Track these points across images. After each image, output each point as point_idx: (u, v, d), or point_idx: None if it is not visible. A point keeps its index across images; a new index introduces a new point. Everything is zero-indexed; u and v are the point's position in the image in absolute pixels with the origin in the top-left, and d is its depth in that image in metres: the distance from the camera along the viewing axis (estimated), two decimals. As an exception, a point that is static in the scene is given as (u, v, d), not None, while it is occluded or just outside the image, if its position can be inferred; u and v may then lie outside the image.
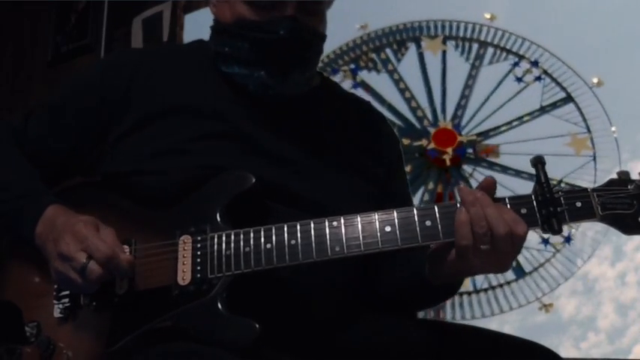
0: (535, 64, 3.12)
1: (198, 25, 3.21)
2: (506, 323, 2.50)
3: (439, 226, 1.24)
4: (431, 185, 3.35)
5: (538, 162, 1.22)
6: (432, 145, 3.25)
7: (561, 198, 1.21)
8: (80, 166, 1.50)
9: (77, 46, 3.71)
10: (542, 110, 3.18)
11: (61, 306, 1.36)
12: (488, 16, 3.00)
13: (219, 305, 1.25)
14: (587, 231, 2.75)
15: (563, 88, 3.10)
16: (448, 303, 3.17)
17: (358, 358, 1.36)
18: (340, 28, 2.98)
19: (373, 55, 3.47)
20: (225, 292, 1.26)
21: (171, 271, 1.30)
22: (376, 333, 1.39)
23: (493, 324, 2.61)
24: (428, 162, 3.33)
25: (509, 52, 3.19)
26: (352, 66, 3.48)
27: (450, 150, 3.22)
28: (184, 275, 1.29)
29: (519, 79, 3.09)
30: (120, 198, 1.41)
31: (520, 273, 3.05)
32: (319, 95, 1.54)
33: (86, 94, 1.48)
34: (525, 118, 3.21)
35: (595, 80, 2.79)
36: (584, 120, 3.00)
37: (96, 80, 1.49)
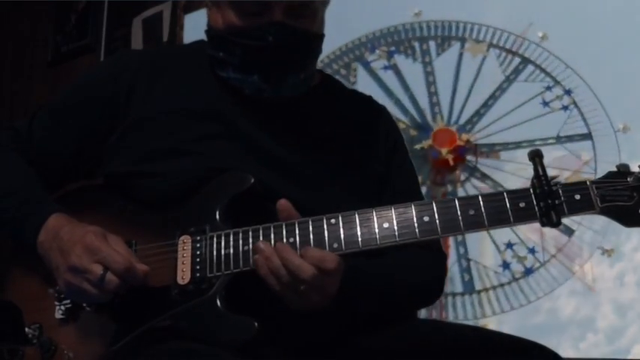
0: (568, 92, 3.09)
1: (198, 25, 3.18)
2: (505, 323, 2.49)
3: (437, 221, 1.23)
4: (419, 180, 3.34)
5: (535, 155, 1.22)
6: (429, 143, 3.24)
7: (559, 190, 1.21)
8: (84, 168, 1.50)
9: (77, 46, 3.71)
10: (558, 139, 3.15)
11: (62, 307, 1.36)
12: (540, 34, 2.97)
13: (219, 304, 1.25)
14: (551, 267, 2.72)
15: (587, 125, 3.06)
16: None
17: (356, 357, 1.35)
18: (397, 11, 2.96)
19: (415, 44, 3.46)
20: (224, 291, 1.26)
21: (170, 271, 1.30)
22: (375, 332, 1.38)
23: (491, 324, 2.60)
24: (426, 158, 3.31)
25: (547, 74, 3.16)
26: (392, 48, 3.47)
27: (444, 150, 3.21)
28: (184, 275, 1.29)
29: (546, 104, 3.06)
30: (120, 200, 1.41)
31: (469, 288, 3.02)
32: (318, 94, 1.53)
33: (89, 96, 1.48)
34: (537, 142, 3.18)
35: (621, 126, 2.77)
36: (595, 161, 2.96)
37: (99, 82, 1.49)
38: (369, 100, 1.64)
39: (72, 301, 1.35)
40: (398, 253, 1.41)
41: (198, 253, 1.30)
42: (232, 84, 1.45)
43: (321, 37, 1.47)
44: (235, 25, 1.40)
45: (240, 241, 1.28)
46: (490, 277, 2.88)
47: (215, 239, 1.30)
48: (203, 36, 1.56)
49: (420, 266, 1.46)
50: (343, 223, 1.26)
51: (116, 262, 1.25)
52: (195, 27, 3.27)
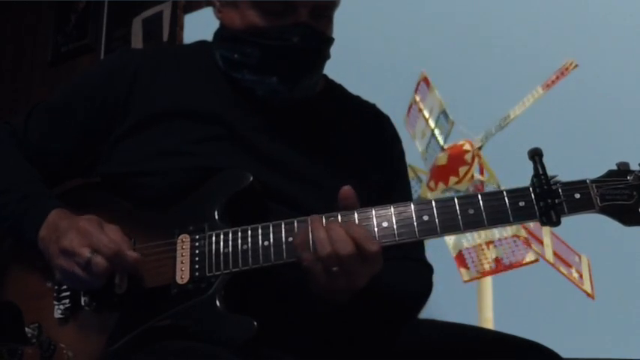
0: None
1: (198, 25, 3.19)
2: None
3: (437, 220, 1.23)
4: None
5: (535, 154, 1.21)
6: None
7: (559, 190, 1.20)
8: (80, 167, 1.49)
9: (77, 46, 3.71)
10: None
11: (61, 307, 1.36)
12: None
13: (218, 303, 1.24)
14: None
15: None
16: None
17: (356, 357, 1.35)
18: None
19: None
20: (223, 290, 1.26)
21: (169, 270, 1.30)
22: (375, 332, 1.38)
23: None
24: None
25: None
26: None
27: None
28: (183, 274, 1.29)
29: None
30: (119, 199, 1.41)
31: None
32: (322, 99, 1.53)
33: (88, 95, 1.47)
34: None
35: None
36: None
37: (98, 81, 1.48)
38: (373, 108, 1.63)
39: (71, 301, 1.35)
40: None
41: (197, 252, 1.29)
42: (245, 85, 1.44)
43: (333, 41, 1.47)
44: (257, 26, 1.39)
45: (240, 240, 1.28)
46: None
47: (214, 238, 1.29)
48: (203, 36, 1.56)
49: (406, 277, 1.44)
50: (342, 222, 1.25)
51: (105, 245, 1.25)
52: (195, 27, 3.27)
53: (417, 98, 3.22)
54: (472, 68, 2.61)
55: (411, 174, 3.33)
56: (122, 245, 1.27)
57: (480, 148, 3.09)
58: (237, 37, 1.42)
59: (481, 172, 3.11)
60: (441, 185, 3.14)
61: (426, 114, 3.16)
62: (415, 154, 2.90)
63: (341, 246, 1.18)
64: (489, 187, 2.85)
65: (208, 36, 1.54)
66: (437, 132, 3.19)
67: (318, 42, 1.41)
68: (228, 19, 1.44)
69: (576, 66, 2.57)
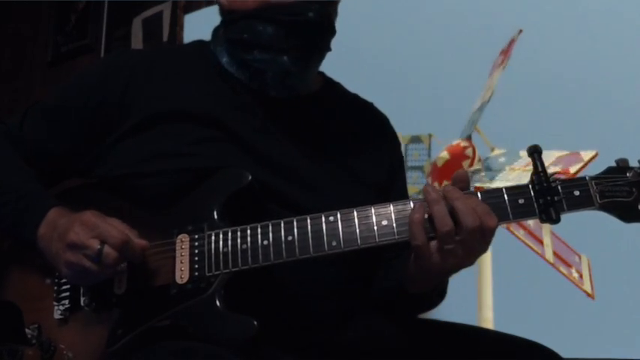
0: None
1: (198, 25, 3.18)
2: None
3: None
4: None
5: (534, 151, 1.21)
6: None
7: (559, 187, 1.20)
8: (76, 167, 1.49)
9: (77, 46, 3.71)
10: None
11: (60, 307, 1.36)
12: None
13: (218, 303, 1.24)
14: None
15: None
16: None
17: (356, 357, 1.35)
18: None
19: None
20: (223, 290, 1.25)
21: (169, 270, 1.30)
22: (375, 332, 1.38)
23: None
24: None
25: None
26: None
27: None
28: (182, 274, 1.28)
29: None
30: (118, 200, 1.40)
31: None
32: (320, 97, 1.53)
33: (85, 96, 1.45)
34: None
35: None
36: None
37: (94, 82, 1.47)
38: (371, 107, 1.63)
39: (70, 301, 1.35)
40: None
41: (196, 251, 1.29)
42: (255, 67, 1.43)
43: (335, 33, 1.47)
44: (270, 2, 1.39)
45: (239, 240, 1.28)
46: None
47: (213, 237, 1.29)
48: (203, 36, 1.56)
49: None
50: (342, 220, 1.25)
51: (113, 236, 1.25)
52: (195, 27, 3.26)
53: (506, 50, 3.18)
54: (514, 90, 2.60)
55: (425, 142, 3.34)
56: (129, 234, 1.27)
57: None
58: (249, 16, 1.42)
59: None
60: (445, 184, 3.13)
61: (495, 77, 3.13)
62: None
63: (467, 219, 1.17)
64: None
65: (208, 36, 1.54)
66: (478, 112, 3.16)
67: (329, 22, 1.42)
68: (239, 2, 1.44)
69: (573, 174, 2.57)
